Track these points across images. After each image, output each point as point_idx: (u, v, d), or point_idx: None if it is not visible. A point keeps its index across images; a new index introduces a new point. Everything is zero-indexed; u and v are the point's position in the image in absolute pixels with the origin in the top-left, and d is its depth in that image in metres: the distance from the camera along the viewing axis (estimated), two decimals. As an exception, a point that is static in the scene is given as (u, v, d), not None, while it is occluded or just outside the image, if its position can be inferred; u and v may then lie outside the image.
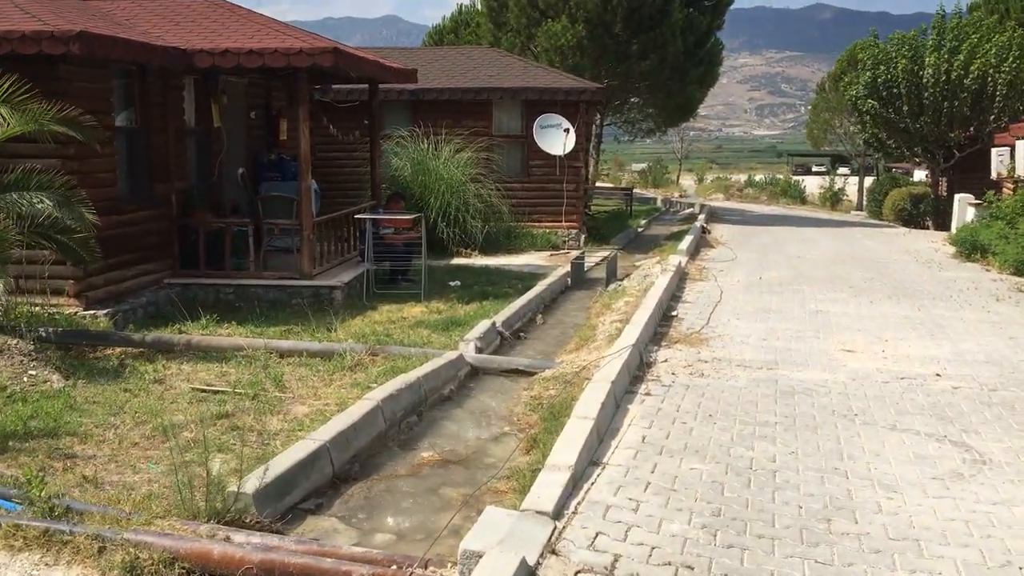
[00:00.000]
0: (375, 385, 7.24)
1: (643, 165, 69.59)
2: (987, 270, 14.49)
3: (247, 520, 4.43)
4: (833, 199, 44.40)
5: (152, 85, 10.50)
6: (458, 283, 12.64)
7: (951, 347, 8.55)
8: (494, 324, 9.23)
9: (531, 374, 7.89)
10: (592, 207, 26.09)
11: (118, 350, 8.27)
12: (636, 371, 7.26)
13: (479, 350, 8.40)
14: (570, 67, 23.56)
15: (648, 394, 6.59)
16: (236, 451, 5.55)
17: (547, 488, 4.38)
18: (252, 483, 4.57)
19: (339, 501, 5.04)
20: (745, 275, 13.45)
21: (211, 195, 12.06)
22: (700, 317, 9.85)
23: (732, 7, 28.92)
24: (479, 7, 30.52)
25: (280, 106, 14.33)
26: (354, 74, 12.24)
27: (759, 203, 46.01)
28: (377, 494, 5.15)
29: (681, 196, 48.96)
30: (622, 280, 12.84)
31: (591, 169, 30.77)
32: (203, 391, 7.05)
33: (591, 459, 5.06)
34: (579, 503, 4.43)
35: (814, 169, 76.89)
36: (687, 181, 63.91)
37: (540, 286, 11.85)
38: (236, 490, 4.53)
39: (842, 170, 64.66)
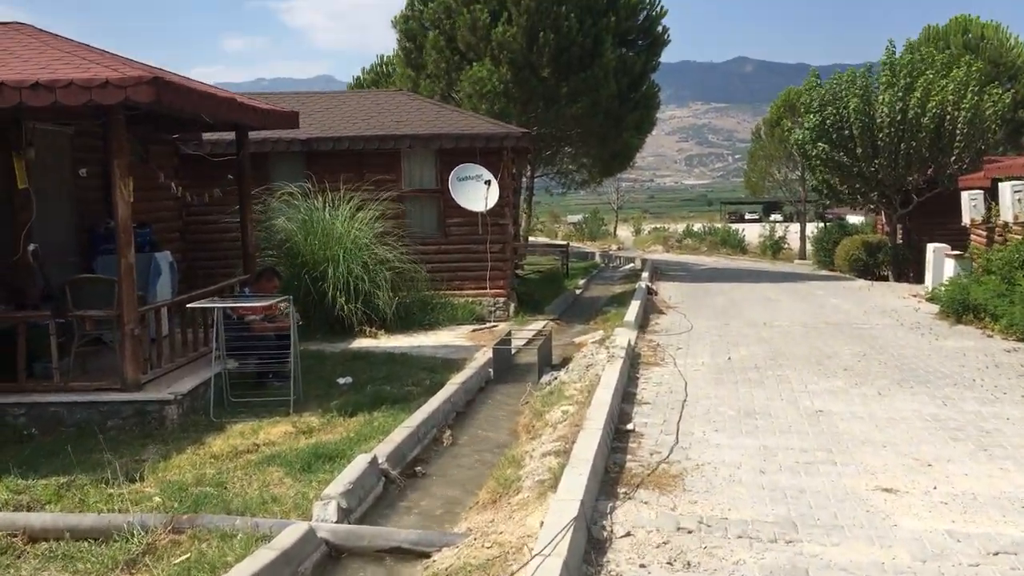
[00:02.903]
0: (153, 607, 4.37)
1: (578, 217, 67.73)
2: (989, 335, 12.18)
3: None
4: (775, 248, 42.79)
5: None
6: (349, 380, 9.80)
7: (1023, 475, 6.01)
8: (375, 459, 6.39)
9: (422, 554, 5.10)
10: (524, 267, 23.51)
11: None
12: (583, 561, 4.52)
13: (345, 512, 5.56)
14: (496, 114, 21.17)
15: (605, 630, 3.83)
16: None
17: None
18: None
19: None
20: (709, 354, 10.88)
21: (9, 279, 9.08)
22: (666, 431, 7.17)
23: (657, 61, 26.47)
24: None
25: (124, 160, 11.39)
26: (207, 117, 9.46)
27: (699, 254, 44.15)
28: None
29: (619, 249, 46.95)
30: (559, 370, 10.15)
31: (524, 224, 28.29)
32: None
33: None
34: None
35: (747, 216, 76.19)
36: (624, 232, 62.06)
37: (452, 385, 9.01)
38: None
39: (774, 216, 63.68)
